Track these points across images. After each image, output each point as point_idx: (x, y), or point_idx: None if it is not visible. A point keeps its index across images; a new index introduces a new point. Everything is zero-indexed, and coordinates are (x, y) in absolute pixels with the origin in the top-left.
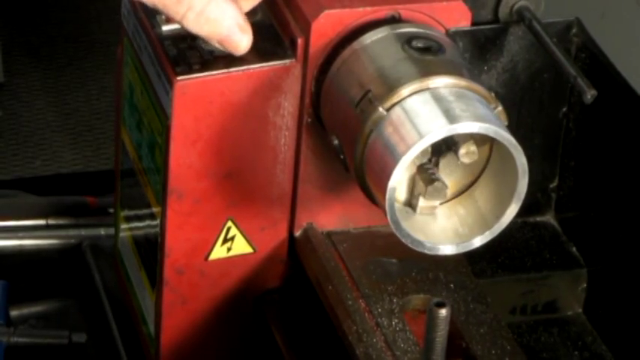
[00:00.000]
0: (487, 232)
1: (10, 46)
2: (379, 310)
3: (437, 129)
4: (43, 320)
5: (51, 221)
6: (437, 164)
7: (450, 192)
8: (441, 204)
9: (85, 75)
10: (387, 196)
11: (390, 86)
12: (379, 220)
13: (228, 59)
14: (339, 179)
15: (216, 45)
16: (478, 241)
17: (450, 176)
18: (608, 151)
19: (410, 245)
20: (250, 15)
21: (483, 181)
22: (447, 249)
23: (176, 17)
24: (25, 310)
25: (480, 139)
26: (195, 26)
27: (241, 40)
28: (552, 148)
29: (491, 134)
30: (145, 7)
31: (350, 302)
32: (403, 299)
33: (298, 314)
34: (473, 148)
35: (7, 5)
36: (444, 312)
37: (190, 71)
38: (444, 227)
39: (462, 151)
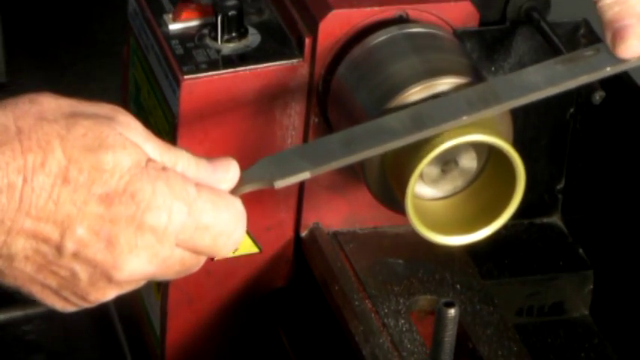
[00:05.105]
0: (488, 227)
1: (12, 47)
2: (385, 310)
3: None
4: (46, 321)
5: None
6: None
7: (451, 188)
8: (444, 199)
9: (88, 75)
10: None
11: (397, 86)
12: (385, 221)
13: (235, 58)
14: (346, 179)
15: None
16: (480, 235)
17: (450, 173)
18: (615, 153)
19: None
20: (257, 14)
21: (485, 175)
22: (450, 240)
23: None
24: (29, 311)
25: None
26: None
27: None
28: (559, 150)
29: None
30: (151, 5)
31: (356, 302)
32: (409, 300)
33: (304, 314)
34: (472, 154)
35: (10, 5)
36: (452, 312)
37: (197, 70)
38: (448, 220)
39: (463, 159)
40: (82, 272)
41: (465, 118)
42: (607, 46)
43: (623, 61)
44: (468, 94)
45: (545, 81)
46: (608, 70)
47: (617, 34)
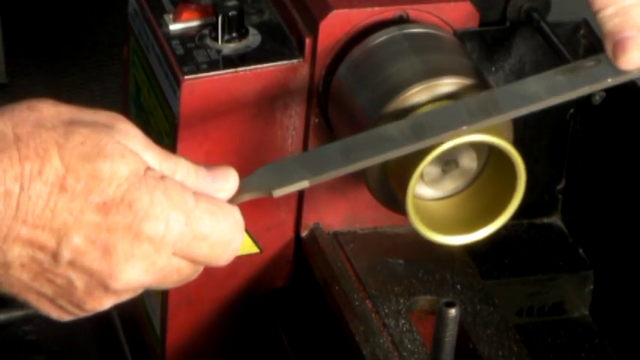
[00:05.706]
0: (488, 227)
1: (12, 47)
2: (386, 310)
3: None
4: (46, 321)
5: None
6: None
7: (451, 188)
8: (444, 199)
9: (88, 76)
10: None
11: (398, 86)
12: (385, 221)
13: (235, 59)
14: (346, 179)
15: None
16: (480, 235)
17: (450, 173)
18: (615, 153)
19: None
20: (258, 15)
21: (485, 175)
22: (450, 240)
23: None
24: (30, 311)
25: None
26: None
27: None
28: (559, 150)
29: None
30: (152, 5)
31: (357, 303)
32: (410, 300)
33: (304, 314)
34: (472, 154)
35: (10, 6)
36: (453, 312)
37: (198, 71)
38: (448, 221)
39: (463, 159)
40: (78, 281)
41: (464, 128)
42: (608, 57)
43: (624, 72)
44: (469, 103)
45: (546, 91)
46: (609, 82)
47: (618, 46)
